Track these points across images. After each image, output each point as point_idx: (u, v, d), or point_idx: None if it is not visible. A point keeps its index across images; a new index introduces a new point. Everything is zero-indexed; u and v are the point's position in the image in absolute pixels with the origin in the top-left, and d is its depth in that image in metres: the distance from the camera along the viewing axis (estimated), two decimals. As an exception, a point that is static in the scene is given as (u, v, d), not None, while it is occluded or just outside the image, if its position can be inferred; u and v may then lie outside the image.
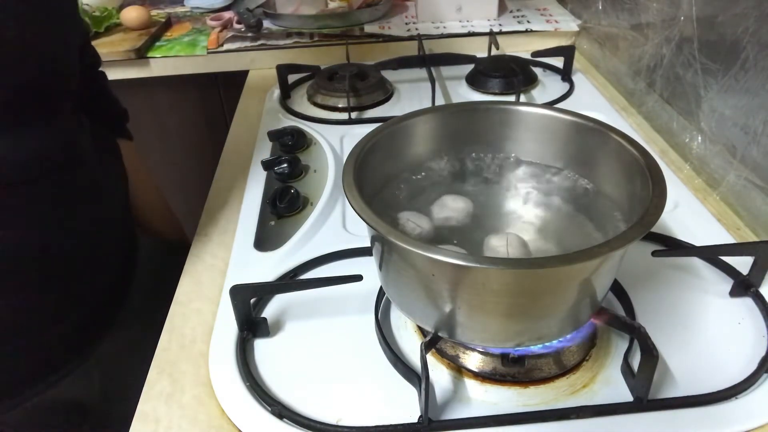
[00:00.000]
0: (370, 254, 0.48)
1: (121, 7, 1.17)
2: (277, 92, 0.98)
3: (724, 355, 0.48)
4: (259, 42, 1.10)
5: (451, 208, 0.50)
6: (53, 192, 0.53)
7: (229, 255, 0.62)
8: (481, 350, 0.48)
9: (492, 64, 0.97)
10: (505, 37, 1.11)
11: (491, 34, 1.05)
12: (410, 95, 0.96)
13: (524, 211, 0.52)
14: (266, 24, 1.18)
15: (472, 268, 0.38)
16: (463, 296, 0.41)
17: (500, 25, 1.14)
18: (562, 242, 0.49)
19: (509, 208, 0.52)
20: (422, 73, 0.96)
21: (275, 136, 0.81)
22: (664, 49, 0.81)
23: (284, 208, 0.66)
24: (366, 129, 0.52)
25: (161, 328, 0.55)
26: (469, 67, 0.98)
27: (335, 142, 0.83)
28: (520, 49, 1.11)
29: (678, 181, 0.71)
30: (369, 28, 1.15)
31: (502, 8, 1.21)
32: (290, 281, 0.58)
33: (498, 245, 0.46)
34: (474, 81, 0.97)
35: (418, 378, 0.45)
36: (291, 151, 0.79)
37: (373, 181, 0.50)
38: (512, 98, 0.92)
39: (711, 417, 0.43)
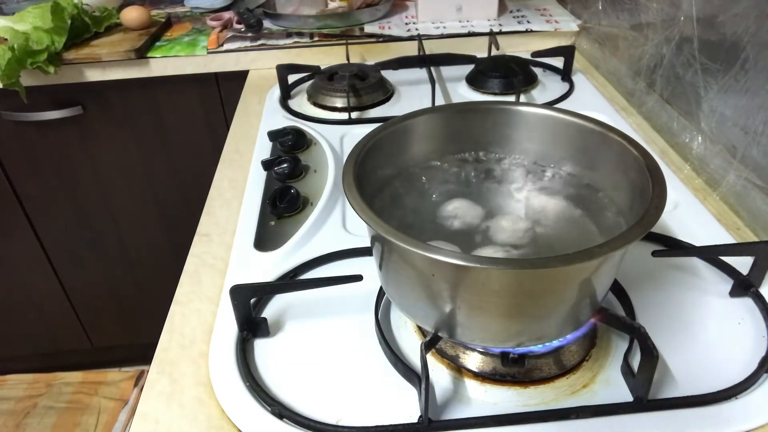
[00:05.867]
0: (370, 254, 0.48)
1: (121, 7, 1.17)
2: (277, 92, 0.98)
3: (724, 355, 0.48)
4: (259, 42, 1.10)
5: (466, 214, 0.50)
6: None
7: (229, 255, 0.62)
8: (481, 350, 0.48)
9: (492, 64, 0.97)
10: (505, 37, 1.11)
11: (491, 34, 1.05)
12: (410, 95, 0.96)
13: (524, 211, 0.52)
14: (266, 24, 1.18)
15: (472, 268, 0.38)
16: (463, 296, 0.41)
17: (500, 25, 1.14)
18: (563, 242, 0.49)
19: (509, 209, 0.52)
20: (422, 73, 0.97)
21: (275, 136, 0.81)
22: (664, 49, 0.81)
23: (284, 208, 0.66)
24: (366, 129, 0.52)
25: None
26: (469, 67, 0.98)
27: (335, 142, 0.83)
28: (520, 49, 1.11)
29: (678, 181, 0.71)
30: (369, 28, 1.15)
31: (502, 8, 1.21)
32: (290, 281, 0.58)
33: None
34: (474, 81, 0.97)
35: (418, 378, 0.45)
36: (291, 151, 0.79)
37: (373, 181, 0.50)
38: (512, 98, 0.92)
39: (711, 417, 0.43)
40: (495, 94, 0.94)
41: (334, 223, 0.66)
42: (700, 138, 0.73)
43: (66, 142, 1.17)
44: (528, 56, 1.03)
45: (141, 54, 1.06)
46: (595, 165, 0.52)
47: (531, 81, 0.97)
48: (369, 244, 0.47)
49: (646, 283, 0.56)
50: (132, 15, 1.13)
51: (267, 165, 0.74)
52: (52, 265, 1.34)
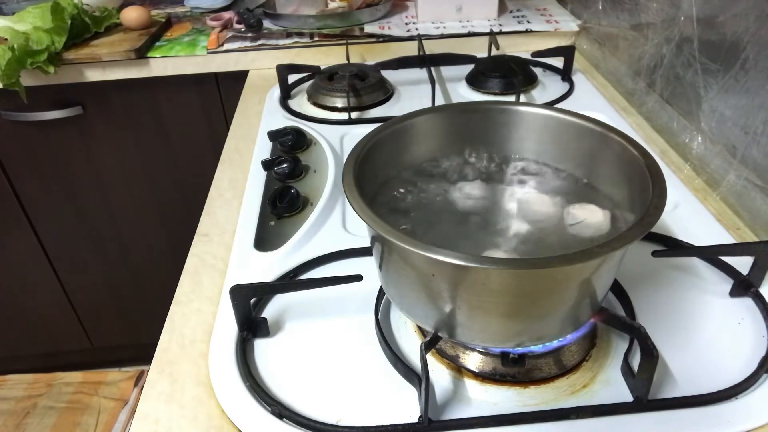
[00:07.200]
0: (370, 254, 0.48)
1: (121, 7, 1.17)
2: (277, 92, 0.98)
3: (724, 355, 0.48)
4: (259, 42, 1.10)
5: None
6: None
7: (229, 255, 0.62)
8: (481, 350, 0.48)
9: (492, 64, 0.97)
10: (505, 37, 1.11)
11: (491, 34, 1.05)
12: (410, 95, 0.96)
13: (524, 212, 0.52)
14: (266, 24, 1.18)
15: (472, 268, 0.38)
16: (463, 296, 0.41)
17: (500, 25, 1.14)
18: (563, 242, 0.48)
19: (509, 208, 0.52)
20: (422, 73, 0.97)
21: (275, 136, 0.81)
22: (664, 49, 0.81)
23: (284, 208, 0.66)
24: (366, 129, 0.52)
25: None
26: (469, 67, 0.98)
27: (335, 142, 0.83)
28: (520, 49, 1.11)
29: (678, 181, 0.71)
30: (369, 28, 1.15)
31: (502, 8, 1.21)
32: (290, 281, 0.58)
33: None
34: (474, 81, 0.97)
35: (418, 378, 0.45)
36: (291, 151, 0.79)
37: (373, 181, 0.50)
38: (512, 98, 0.92)
39: (711, 417, 0.43)
40: (495, 94, 0.94)
41: (334, 223, 0.66)
42: (700, 138, 0.73)
43: (66, 142, 1.17)
44: (528, 56, 1.03)
45: (141, 54, 1.06)
46: (595, 165, 0.52)
47: (531, 81, 0.97)
48: (369, 244, 0.47)
49: (646, 283, 0.56)
50: (132, 15, 1.13)
51: (267, 165, 0.74)
52: (52, 265, 1.34)
